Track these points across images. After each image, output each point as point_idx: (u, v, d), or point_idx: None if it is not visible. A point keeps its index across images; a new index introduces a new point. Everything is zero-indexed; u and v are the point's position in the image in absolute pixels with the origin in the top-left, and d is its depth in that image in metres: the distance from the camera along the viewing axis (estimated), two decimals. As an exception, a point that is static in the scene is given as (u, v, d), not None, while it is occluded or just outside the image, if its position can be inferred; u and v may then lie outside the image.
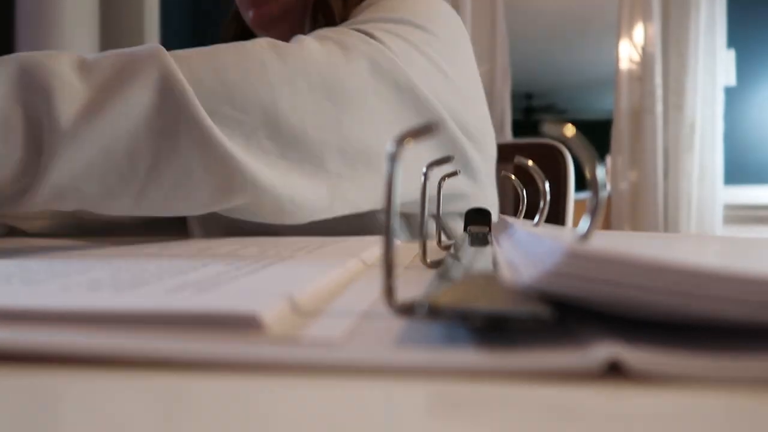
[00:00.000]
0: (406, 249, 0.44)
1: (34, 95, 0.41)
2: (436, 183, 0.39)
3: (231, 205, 0.47)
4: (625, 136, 2.24)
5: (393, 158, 0.18)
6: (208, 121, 0.44)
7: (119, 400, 0.13)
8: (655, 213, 2.17)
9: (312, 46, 0.51)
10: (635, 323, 0.16)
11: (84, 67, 0.43)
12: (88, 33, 1.89)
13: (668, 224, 2.18)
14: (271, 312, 0.17)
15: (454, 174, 0.40)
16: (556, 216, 0.94)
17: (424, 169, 0.31)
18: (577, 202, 0.99)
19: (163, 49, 0.45)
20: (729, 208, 2.25)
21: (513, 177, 0.44)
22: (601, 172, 0.19)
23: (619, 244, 0.29)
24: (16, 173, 0.40)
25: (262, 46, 0.50)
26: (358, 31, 0.56)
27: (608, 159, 2.51)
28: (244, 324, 0.16)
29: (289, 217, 0.49)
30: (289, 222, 0.50)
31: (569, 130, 0.19)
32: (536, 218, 0.39)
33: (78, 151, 0.40)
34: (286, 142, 0.49)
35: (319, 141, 0.50)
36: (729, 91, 2.28)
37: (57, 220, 0.66)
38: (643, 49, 2.21)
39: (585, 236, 0.19)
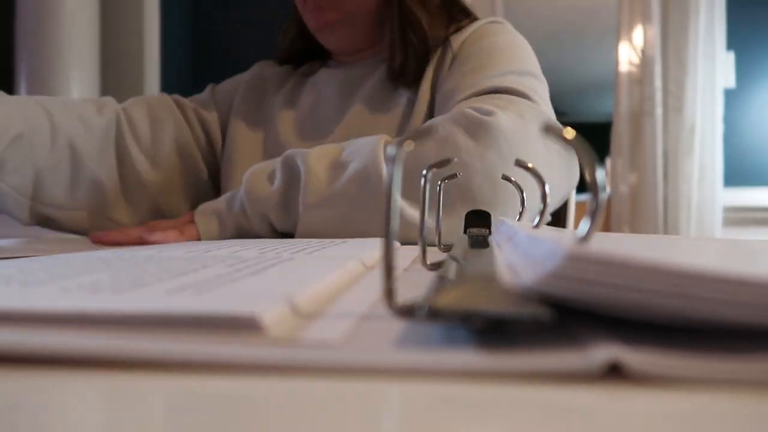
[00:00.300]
0: (406, 251, 0.44)
1: (296, 176, 0.63)
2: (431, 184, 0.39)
3: None
4: (624, 139, 2.24)
5: (393, 160, 0.18)
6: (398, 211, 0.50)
7: (119, 401, 0.13)
8: (654, 215, 2.17)
9: (501, 122, 0.60)
10: (635, 325, 0.16)
11: (329, 162, 0.63)
12: (88, 33, 1.89)
13: (668, 226, 2.18)
14: (271, 314, 0.17)
15: (453, 176, 0.40)
16: (557, 219, 0.95)
17: (424, 171, 0.31)
18: (577, 204, 0.99)
19: (381, 140, 0.61)
20: (729, 210, 2.25)
21: (513, 179, 0.44)
22: (600, 175, 0.19)
23: (618, 246, 0.29)
24: (280, 215, 0.64)
25: (453, 130, 0.60)
26: (515, 92, 0.67)
27: (608, 161, 2.51)
28: (243, 326, 0.16)
29: None
30: None
31: (569, 132, 0.19)
32: (536, 220, 0.39)
33: (313, 219, 0.62)
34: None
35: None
36: (728, 94, 2.28)
37: (93, 218, 0.76)
38: (643, 51, 2.21)
39: (585, 238, 0.19)
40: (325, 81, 0.84)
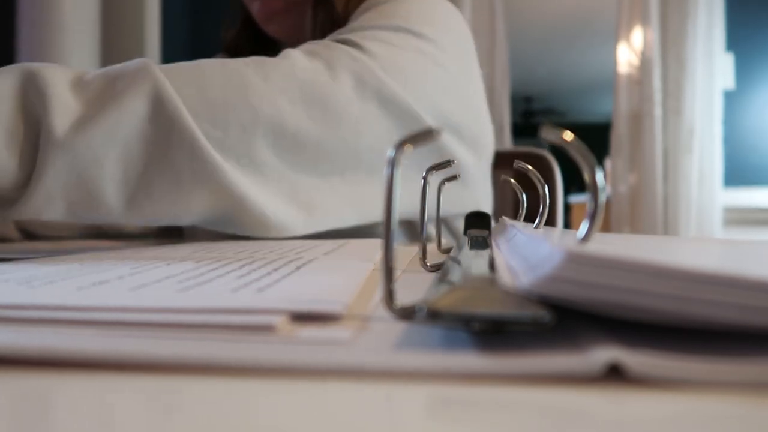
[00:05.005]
0: (406, 252, 0.44)
1: (34, 104, 0.42)
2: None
3: (216, 217, 0.48)
4: (624, 140, 2.24)
5: (392, 163, 0.18)
6: (198, 132, 0.44)
7: (119, 401, 0.13)
8: (654, 216, 2.17)
9: (298, 62, 0.52)
10: (635, 326, 0.16)
11: (78, 81, 0.44)
12: (88, 33, 1.89)
13: (668, 227, 2.17)
14: (343, 306, 0.18)
15: (453, 178, 0.40)
16: (547, 220, 0.96)
17: (424, 173, 0.31)
18: (577, 206, 1.00)
19: (152, 62, 0.46)
20: (728, 210, 2.25)
21: (513, 181, 0.44)
22: (600, 176, 0.19)
23: (618, 247, 0.29)
24: (13, 180, 0.41)
25: (246, 64, 0.50)
26: (349, 42, 0.57)
27: (607, 162, 2.52)
28: (263, 328, 0.17)
29: (273, 232, 0.50)
30: (273, 236, 0.50)
31: (567, 134, 0.19)
32: (536, 221, 0.39)
33: (70, 160, 0.41)
34: (274, 152, 0.50)
35: (313, 148, 0.52)
36: (728, 95, 2.28)
37: (79, 230, 0.68)
38: (642, 52, 2.21)
39: (584, 240, 0.19)
40: None
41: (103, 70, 0.46)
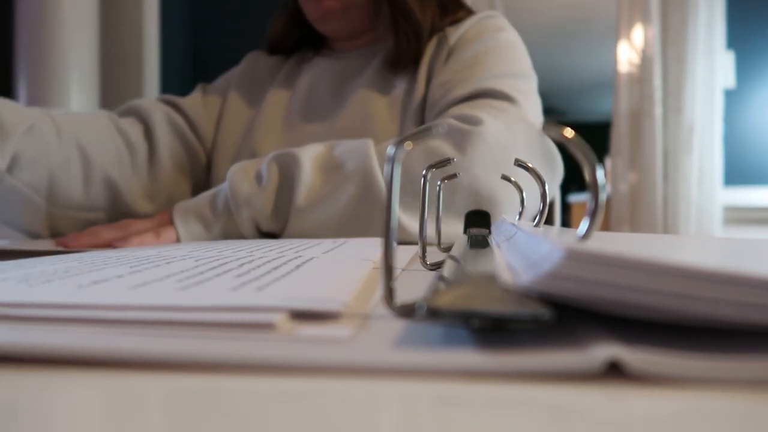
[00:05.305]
0: (406, 251, 0.44)
1: (289, 179, 0.63)
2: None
3: None
4: (624, 138, 2.24)
5: (392, 160, 0.18)
6: (396, 208, 0.48)
7: (119, 398, 0.13)
8: (654, 215, 2.17)
9: (489, 130, 0.63)
10: (635, 324, 0.16)
11: (321, 162, 0.63)
12: (88, 33, 1.89)
13: (668, 226, 2.17)
14: (342, 304, 0.18)
15: (453, 177, 0.40)
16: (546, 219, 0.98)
17: (424, 171, 0.31)
18: (577, 205, 1.01)
19: (371, 146, 0.62)
20: (728, 209, 2.25)
21: (513, 179, 0.44)
22: (600, 174, 0.19)
23: (618, 245, 0.29)
24: (271, 225, 0.63)
25: (445, 141, 0.63)
26: (505, 96, 0.70)
27: (607, 161, 2.51)
28: (263, 326, 0.17)
29: None
30: None
31: (568, 131, 0.19)
32: (536, 220, 0.39)
33: (302, 222, 0.62)
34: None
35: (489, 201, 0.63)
36: (728, 93, 2.28)
37: (113, 218, 0.74)
38: (642, 51, 2.21)
39: (584, 238, 0.19)
40: (321, 69, 0.85)
41: (340, 150, 0.63)
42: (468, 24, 0.80)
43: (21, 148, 0.62)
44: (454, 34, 0.79)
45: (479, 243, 0.39)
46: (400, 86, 0.79)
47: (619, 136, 2.25)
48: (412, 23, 0.78)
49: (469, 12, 0.84)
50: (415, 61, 0.79)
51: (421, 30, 0.78)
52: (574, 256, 0.15)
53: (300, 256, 0.34)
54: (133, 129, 0.79)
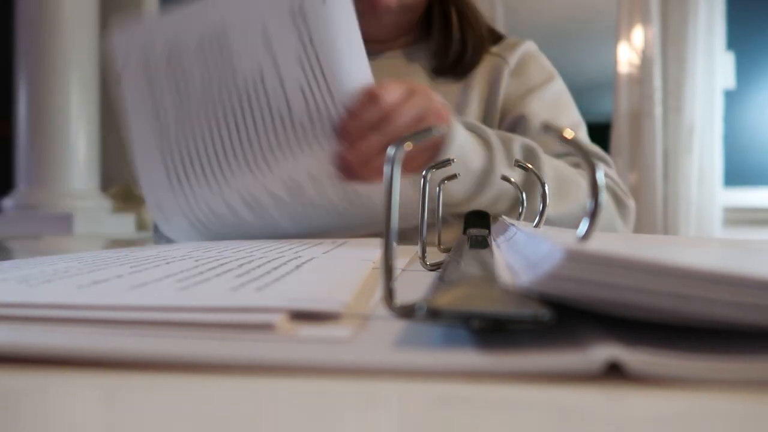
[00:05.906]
0: (406, 251, 0.44)
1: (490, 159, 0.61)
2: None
3: None
4: (624, 139, 2.24)
5: (392, 161, 0.18)
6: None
7: (119, 398, 0.13)
8: (654, 215, 2.17)
9: (632, 210, 0.78)
10: (635, 325, 0.16)
11: (557, 180, 0.66)
12: (88, 33, 1.89)
13: (668, 226, 2.17)
14: (342, 305, 0.18)
15: (453, 177, 0.40)
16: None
17: (424, 172, 0.31)
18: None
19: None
20: (728, 210, 2.25)
21: (512, 180, 0.44)
22: (600, 174, 0.19)
23: (617, 246, 0.29)
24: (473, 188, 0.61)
25: (578, 173, 0.70)
26: (602, 159, 0.79)
27: (608, 161, 2.51)
28: (261, 326, 0.16)
29: None
30: None
31: (568, 132, 0.19)
32: (536, 220, 0.39)
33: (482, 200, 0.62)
34: None
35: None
36: (728, 94, 2.28)
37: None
38: (642, 51, 2.21)
39: (584, 238, 0.19)
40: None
41: (565, 175, 0.68)
42: (523, 46, 0.80)
43: None
44: (511, 53, 0.78)
45: (479, 243, 0.39)
46: (452, 92, 0.77)
47: (619, 137, 2.25)
48: (476, 30, 0.77)
49: (500, 35, 0.84)
50: (464, 74, 0.78)
51: (483, 39, 0.77)
52: (573, 257, 0.15)
53: (299, 257, 0.34)
54: None
